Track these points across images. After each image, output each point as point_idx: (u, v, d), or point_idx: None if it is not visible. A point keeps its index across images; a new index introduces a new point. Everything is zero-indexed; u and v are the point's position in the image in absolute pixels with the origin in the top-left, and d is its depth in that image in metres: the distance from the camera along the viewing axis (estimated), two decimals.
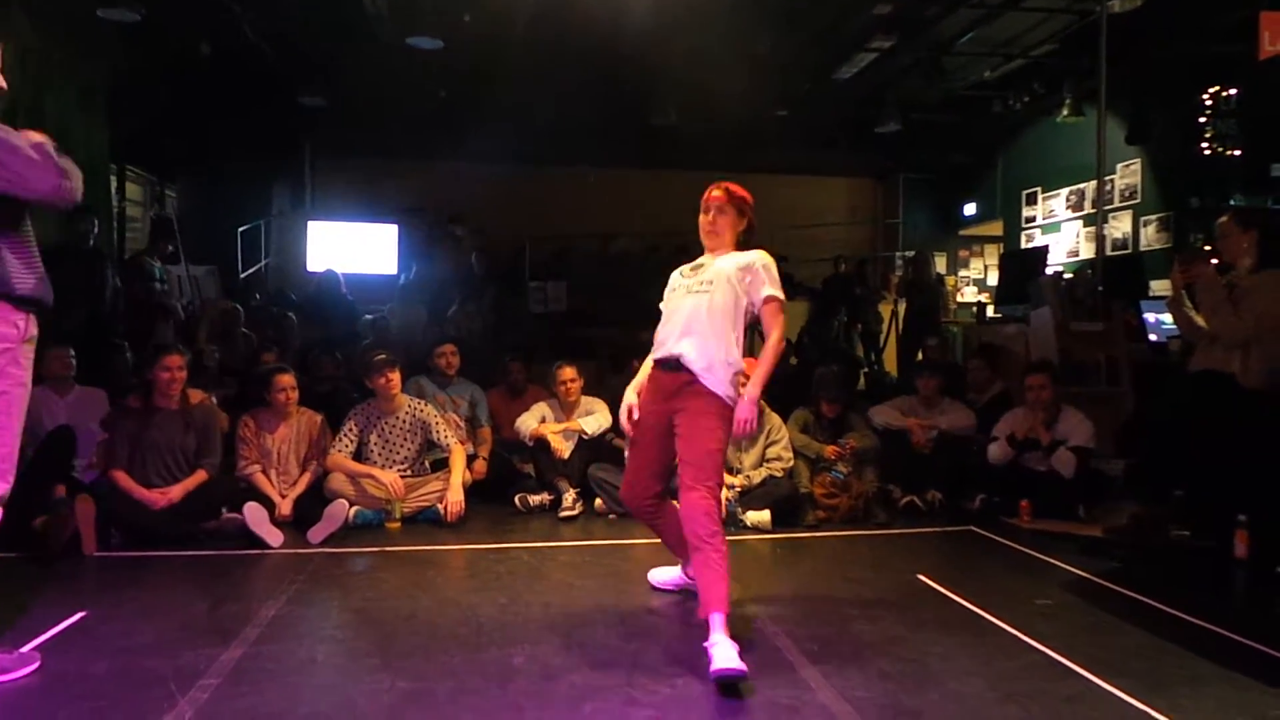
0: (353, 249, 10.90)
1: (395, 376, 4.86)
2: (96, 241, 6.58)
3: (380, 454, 4.86)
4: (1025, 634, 2.98)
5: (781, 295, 2.99)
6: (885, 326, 10.05)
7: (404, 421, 4.90)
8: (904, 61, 8.86)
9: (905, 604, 3.35)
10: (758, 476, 4.80)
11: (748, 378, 2.94)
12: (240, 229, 10.59)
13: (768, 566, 3.98)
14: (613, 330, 8.29)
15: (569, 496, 4.94)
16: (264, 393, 4.88)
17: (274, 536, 4.17)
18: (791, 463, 4.91)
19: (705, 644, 2.59)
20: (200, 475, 4.37)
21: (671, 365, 2.97)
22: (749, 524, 4.59)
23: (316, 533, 4.27)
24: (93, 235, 6.40)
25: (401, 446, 4.89)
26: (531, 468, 5.22)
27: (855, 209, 13.97)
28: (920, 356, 7.48)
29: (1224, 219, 4.11)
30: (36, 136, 2.56)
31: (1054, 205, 10.74)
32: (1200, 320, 4.01)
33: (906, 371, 8.17)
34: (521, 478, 5.24)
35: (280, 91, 9.11)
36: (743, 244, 3.10)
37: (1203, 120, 7.86)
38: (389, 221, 11.19)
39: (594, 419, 5.22)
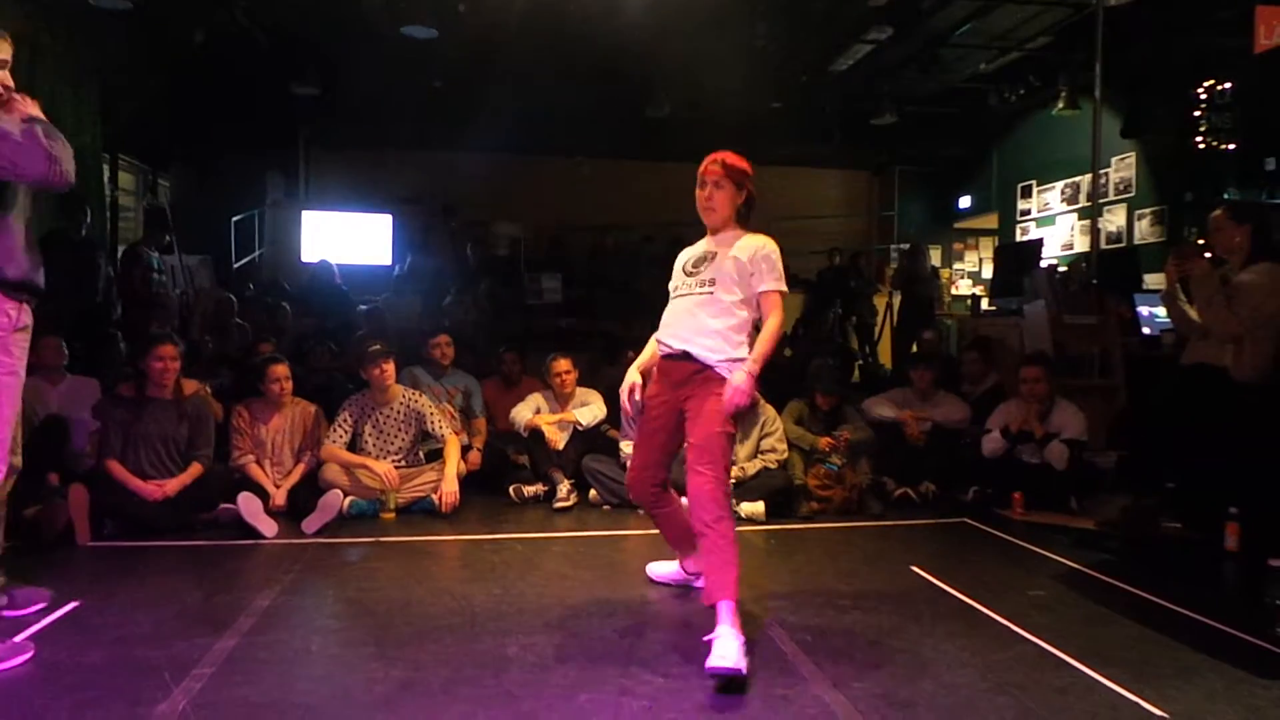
0: (347, 239, 10.88)
1: (390, 367, 4.86)
2: (89, 231, 6.54)
3: (375, 444, 4.85)
4: (1018, 625, 3.00)
5: (782, 287, 2.93)
6: (880, 319, 10.06)
7: (398, 412, 4.90)
8: (900, 54, 8.85)
9: (899, 595, 3.36)
10: (752, 468, 4.81)
11: None
12: (234, 219, 10.56)
13: (762, 558, 3.99)
14: (608, 321, 8.30)
15: (564, 487, 4.94)
16: (258, 383, 4.87)
17: (268, 527, 4.16)
18: (786, 454, 4.92)
19: (707, 637, 2.54)
20: (196, 469, 4.35)
21: (680, 357, 2.94)
22: (743, 515, 4.59)
23: (311, 523, 4.28)
24: (85, 224, 6.37)
25: (396, 437, 4.89)
26: (526, 459, 5.22)
27: (850, 201, 13.98)
28: (915, 349, 7.49)
29: (1217, 213, 4.10)
30: (29, 108, 2.54)
31: (1049, 198, 10.76)
32: (1194, 314, 4.02)
33: (901, 364, 8.20)
34: (516, 469, 5.23)
35: (275, 81, 9.05)
36: (742, 217, 3.02)
37: (1197, 114, 7.85)
38: (384, 212, 11.16)
39: (589, 410, 5.22)
